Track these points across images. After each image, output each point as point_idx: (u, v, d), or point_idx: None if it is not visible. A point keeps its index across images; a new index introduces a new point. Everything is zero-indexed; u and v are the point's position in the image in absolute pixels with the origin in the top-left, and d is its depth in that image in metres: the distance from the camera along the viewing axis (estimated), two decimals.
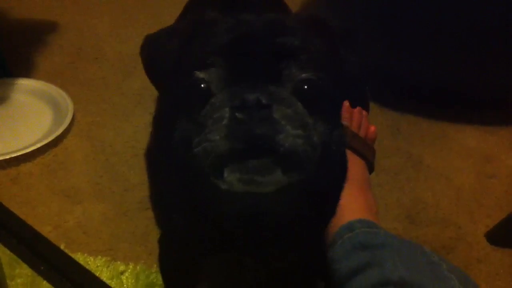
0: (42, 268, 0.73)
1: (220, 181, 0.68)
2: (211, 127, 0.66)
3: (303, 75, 0.69)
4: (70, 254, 0.89)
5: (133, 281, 1.17)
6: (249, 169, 0.66)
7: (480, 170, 1.56)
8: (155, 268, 1.19)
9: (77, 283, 0.69)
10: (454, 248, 1.31)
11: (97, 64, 1.96)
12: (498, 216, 1.36)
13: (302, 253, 0.99)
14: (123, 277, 1.17)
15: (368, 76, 0.89)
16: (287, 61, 0.69)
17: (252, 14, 0.76)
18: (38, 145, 1.52)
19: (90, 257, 1.22)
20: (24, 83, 1.78)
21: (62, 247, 1.17)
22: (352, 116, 1.25)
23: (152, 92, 0.86)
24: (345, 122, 1.09)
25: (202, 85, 0.70)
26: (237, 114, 0.65)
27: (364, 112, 1.28)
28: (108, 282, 1.14)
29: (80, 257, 1.20)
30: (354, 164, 1.11)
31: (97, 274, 1.04)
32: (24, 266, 1.14)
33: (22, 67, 1.89)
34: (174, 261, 1.05)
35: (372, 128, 1.26)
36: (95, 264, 1.20)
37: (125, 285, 1.16)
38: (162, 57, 0.77)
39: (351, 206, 1.04)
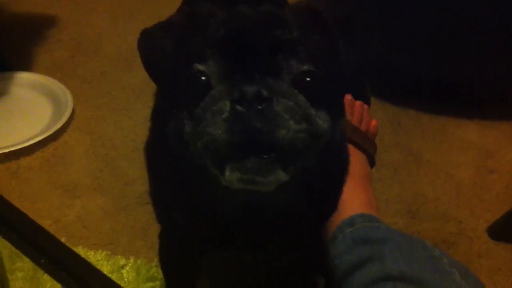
0: (43, 261, 0.73)
1: (221, 177, 0.68)
2: (210, 120, 0.65)
3: (304, 67, 0.68)
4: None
5: (133, 275, 1.16)
6: (249, 169, 0.65)
7: (481, 165, 1.56)
8: (155, 262, 1.19)
9: (78, 277, 0.68)
10: (455, 243, 1.30)
11: (96, 58, 1.95)
12: (499, 211, 1.36)
13: (301, 250, 0.98)
14: (124, 271, 1.17)
15: (368, 67, 0.89)
16: (286, 53, 0.68)
17: (247, 6, 0.75)
18: (38, 139, 1.52)
19: (91, 251, 1.21)
20: (24, 77, 1.78)
21: (62, 241, 1.16)
22: (353, 110, 1.25)
23: (151, 87, 0.85)
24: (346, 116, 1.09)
25: (202, 78, 0.69)
26: (237, 107, 0.64)
27: (365, 106, 1.28)
28: (108, 276, 1.14)
29: (80, 251, 1.20)
30: (355, 158, 1.10)
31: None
32: (25, 260, 1.13)
33: (22, 61, 1.88)
34: (174, 257, 1.04)
35: (374, 122, 1.26)
36: (96, 258, 1.20)
37: (125, 279, 1.16)
38: (158, 52, 0.76)
39: (352, 201, 1.04)
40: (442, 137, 1.66)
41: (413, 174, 1.52)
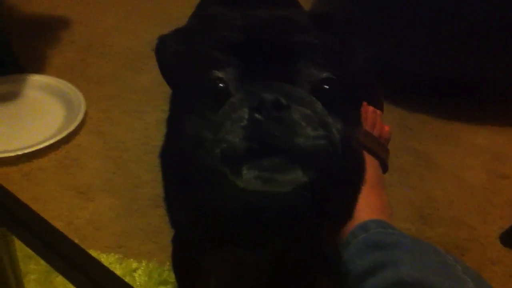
0: (58, 264, 0.73)
1: (238, 179, 0.67)
2: (230, 128, 0.65)
3: (323, 75, 0.68)
4: None
5: (146, 279, 1.17)
6: (267, 167, 0.65)
7: (492, 169, 1.56)
8: (167, 265, 1.19)
9: (94, 280, 0.69)
10: (467, 249, 1.30)
11: (108, 60, 1.96)
12: (511, 217, 1.35)
13: (304, 250, 0.98)
14: (136, 275, 1.18)
15: (381, 71, 0.88)
16: (305, 60, 0.69)
17: (262, 10, 0.75)
18: (51, 142, 1.52)
19: (103, 254, 1.22)
20: (37, 79, 1.79)
21: None
22: (366, 116, 1.25)
23: (163, 89, 0.85)
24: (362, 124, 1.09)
25: (221, 85, 0.69)
26: (256, 115, 0.64)
27: (378, 112, 1.28)
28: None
29: (93, 254, 1.20)
30: (368, 164, 1.10)
31: None
32: (38, 262, 1.15)
33: (33, 63, 1.89)
34: (187, 261, 1.04)
35: (386, 128, 1.26)
36: (108, 261, 1.20)
37: (137, 283, 1.16)
38: (174, 57, 0.76)
39: (365, 206, 1.04)
40: (453, 142, 1.66)
41: (424, 178, 1.51)
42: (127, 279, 1.15)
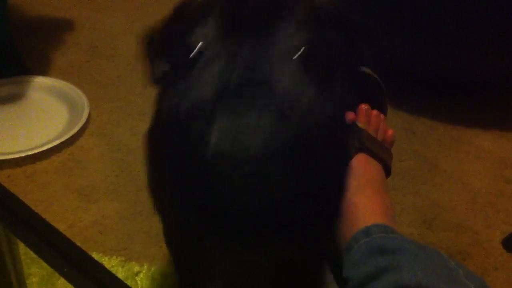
0: (61, 266, 0.73)
1: (206, 134, 0.64)
2: (199, 79, 0.63)
3: (301, 35, 0.67)
4: None
5: (148, 282, 1.17)
6: (239, 111, 0.62)
7: (497, 174, 1.55)
8: (170, 269, 1.19)
9: (97, 283, 0.69)
10: (470, 254, 1.30)
11: (112, 62, 1.96)
12: None
13: (303, 249, 0.97)
14: (138, 278, 1.17)
15: (385, 72, 0.88)
16: (284, 20, 0.67)
17: None
18: (54, 144, 1.53)
19: (105, 257, 1.22)
20: (41, 81, 1.79)
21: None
22: (370, 119, 1.24)
23: None
24: (362, 124, 1.09)
25: (201, 42, 0.68)
26: (228, 68, 0.63)
27: (382, 116, 1.27)
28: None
29: (95, 256, 1.20)
30: (371, 167, 1.10)
31: None
32: (40, 265, 1.15)
33: (38, 64, 1.90)
34: (180, 251, 1.02)
35: (390, 132, 1.25)
36: (110, 264, 1.20)
37: (139, 286, 1.16)
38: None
39: (368, 210, 1.03)
40: (458, 146, 1.66)
41: (428, 183, 1.51)
42: (129, 282, 1.15)
